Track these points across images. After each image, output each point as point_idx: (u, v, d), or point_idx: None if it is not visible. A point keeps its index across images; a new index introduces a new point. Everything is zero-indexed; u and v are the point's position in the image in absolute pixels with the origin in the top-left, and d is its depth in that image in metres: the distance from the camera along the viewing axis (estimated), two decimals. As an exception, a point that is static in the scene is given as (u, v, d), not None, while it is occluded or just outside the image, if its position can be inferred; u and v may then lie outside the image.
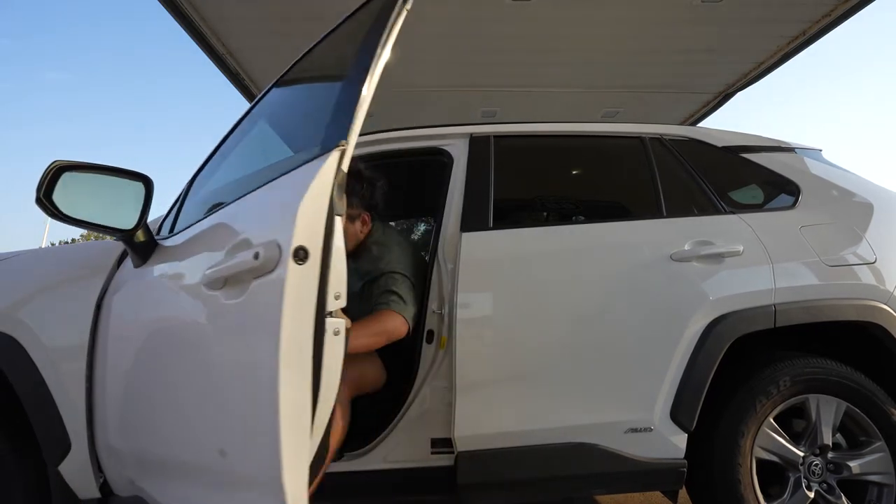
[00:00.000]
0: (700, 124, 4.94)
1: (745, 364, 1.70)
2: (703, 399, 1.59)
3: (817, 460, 1.64)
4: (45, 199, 1.30)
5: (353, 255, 1.81)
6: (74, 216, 1.36)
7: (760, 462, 1.62)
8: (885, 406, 1.65)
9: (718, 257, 1.67)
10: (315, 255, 1.02)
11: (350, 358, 1.54)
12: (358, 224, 1.78)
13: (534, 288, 1.63)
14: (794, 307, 1.64)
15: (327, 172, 1.07)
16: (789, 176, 1.89)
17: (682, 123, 4.92)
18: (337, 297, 1.08)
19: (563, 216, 2.35)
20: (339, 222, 1.09)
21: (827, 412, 1.65)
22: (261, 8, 3.24)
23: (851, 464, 1.64)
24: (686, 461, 1.59)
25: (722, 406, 1.63)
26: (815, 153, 2.05)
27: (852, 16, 3.38)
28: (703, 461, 1.62)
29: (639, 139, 1.92)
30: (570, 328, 1.61)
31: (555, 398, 1.58)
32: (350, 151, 1.09)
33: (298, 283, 1.01)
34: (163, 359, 1.27)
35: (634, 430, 1.57)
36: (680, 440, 1.59)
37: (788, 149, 1.99)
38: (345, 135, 1.09)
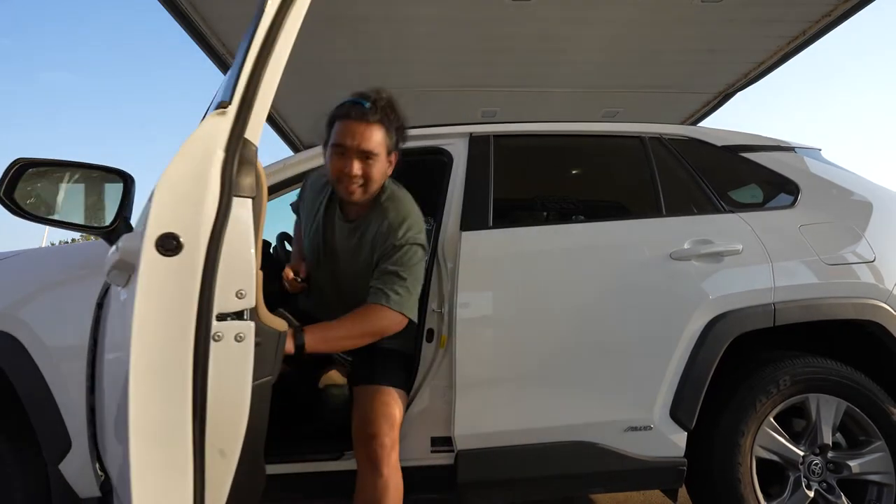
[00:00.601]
0: (700, 124, 4.94)
1: (745, 363, 1.70)
2: (702, 397, 1.59)
3: (817, 460, 1.64)
4: (6, 196, 1.27)
5: (358, 214, 1.51)
6: (42, 214, 1.34)
7: (760, 461, 1.62)
8: (885, 406, 1.66)
9: (718, 256, 1.67)
10: (194, 245, 0.86)
11: (383, 406, 1.38)
12: (387, 162, 1.46)
13: (534, 287, 1.63)
14: (793, 306, 1.64)
15: (200, 143, 0.89)
16: (789, 175, 1.89)
17: (682, 123, 4.91)
18: (241, 296, 0.90)
19: (563, 215, 2.35)
20: (242, 205, 0.90)
21: (827, 412, 1.66)
22: (261, 8, 3.23)
23: (851, 463, 1.64)
24: (686, 460, 1.59)
25: (722, 405, 1.63)
26: (814, 152, 2.05)
27: (852, 16, 3.38)
28: (703, 460, 1.62)
29: (638, 139, 1.92)
30: (570, 327, 1.61)
31: (555, 397, 1.58)
32: (254, 121, 0.92)
33: (164, 277, 0.84)
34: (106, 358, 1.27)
35: (634, 429, 1.57)
36: (680, 439, 1.59)
37: (788, 148, 2.00)
38: (228, 96, 0.92)
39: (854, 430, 1.70)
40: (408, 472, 1.38)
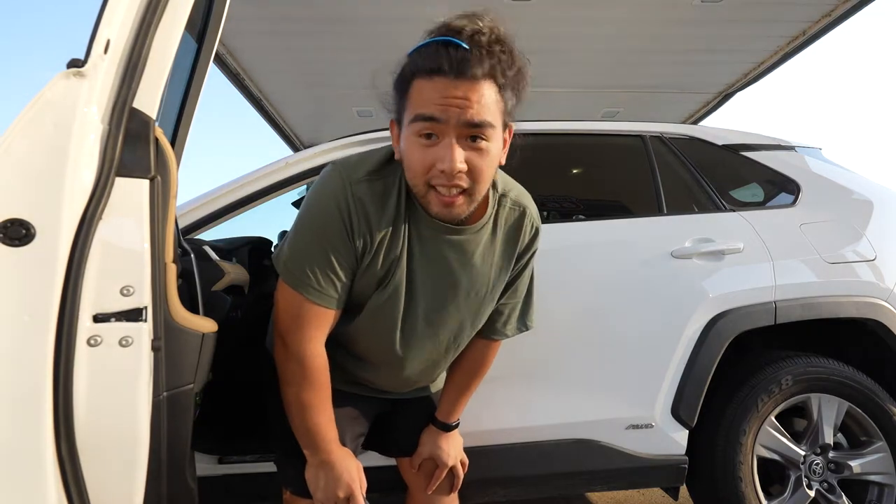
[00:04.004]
0: (700, 124, 4.94)
1: (747, 361, 1.70)
2: (704, 395, 1.59)
3: (818, 459, 1.64)
4: None
5: (474, 215, 0.98)
6: None
7: (761, 460, 1.62)
8: (886, 406, 1.65)
9: (719, 254, 1.67)
10: (52, 233, 0.72)
11: None
12: (502, 141, 0.94)
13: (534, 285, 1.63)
14: (794, 304, 1.64)
15: (49, 112, 0.72)
16: (789, 174, 1.89)
17: (682, 123, 4.91)
18: (127, 293, 0.77)
19: (564, 214, 2.35)
20: (130, 187, 0.76)
21: (828, 412, 1.65)
22: (261, 8, 3.23)
23: (852, 463, 1.64)
24: (687, 458, 1.59)
25: (724, 403, 1.63)
26: (814, 151, 2.05)
27: (852, 16, 3.38)
28: (705, 458, 1.62)
29: (640, 137, 1.92)
30: (570, 325, 1.61)
31: (555, 394, 1.57)
32: (146, 88, 0.77)
33: (8, 272, 0.71)
34: None
35: (635, 427, 1.57)
36: (681, 437, 1.59)
37: (788, 147, 2.00)
38: (86, 52, 0.75)
39: (855, 430, 1.70)
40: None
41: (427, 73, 0.84)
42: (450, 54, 0.83)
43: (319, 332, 0.97)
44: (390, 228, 0.96)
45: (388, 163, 0.98)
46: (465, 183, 0.87)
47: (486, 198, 1.00)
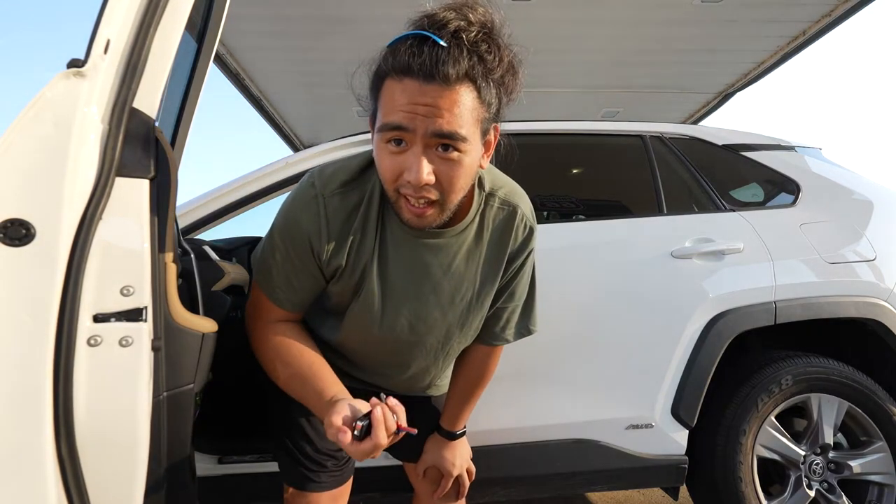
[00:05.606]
0: (700, 124, 4.94)
1: (747, 361, 1.70)
2: (703, 395, 1.59)
3: (818, 459, 1.64)
4: None
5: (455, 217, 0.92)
6: None
7: (761, 460, 1.62)
8: (886, 406, 1.65)
9: (719, 254, 1.67)
10: (52, 233, 0.72)
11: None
12: (482, 149, 0.87)
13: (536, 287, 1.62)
14: (794, 304, 1.64)
15: (49, 111, 0.72)
16: (789, 174, 1.89)
17: (681, 123, 4.92)
18: (127, 293, 0.76)
19: (564, 214, 2.35)
20: (130, 188, 0.77)
21: (828, 412, 1.65)
22: (261, 8, 3.24)
23: (852, 463, 1.64)
24: (687, 458, 1.60)
25: (724, 403, 1.63)
26: (814, 151, 2.06)
27: (852, 16, 3.38)
28: (705, 458, 1.62)
29: (639, 137, 1.92)
30: (570, 325, 1.61)
31: (555, 395, 1.58)
32: (146, 88, 0.77)
33: (9, 272, 0.71)
34: None
35: (635, 427, 1.57)
36: (681, 437, 1.59)
37: (788, 147, 2.00)
38: (86, 52, 0.75)
39: (855, 430, 1.70)
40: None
41: (397, 74, 0.77)
42: (423, 53, 0.74)
43: (281, 325, 0.98)
44: (361, 237, 0.92)
45: (367, 167, 0.94)
46: (433, 195, 0.81)
47: (471, 198, 0.94)
